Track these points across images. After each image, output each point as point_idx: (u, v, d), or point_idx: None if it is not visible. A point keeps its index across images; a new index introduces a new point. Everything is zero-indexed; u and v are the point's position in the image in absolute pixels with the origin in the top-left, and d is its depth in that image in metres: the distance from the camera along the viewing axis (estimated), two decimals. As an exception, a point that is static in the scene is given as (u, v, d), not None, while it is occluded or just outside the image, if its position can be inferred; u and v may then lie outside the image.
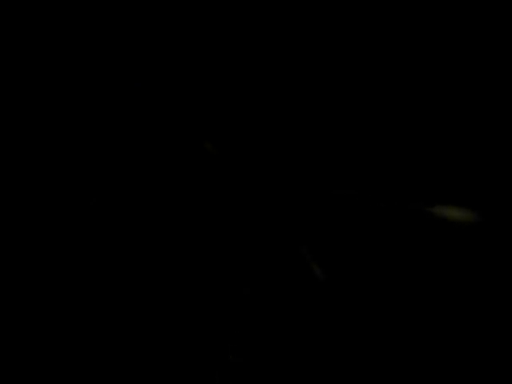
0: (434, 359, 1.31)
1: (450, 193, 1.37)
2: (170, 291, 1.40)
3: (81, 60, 1.44)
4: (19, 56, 1.42)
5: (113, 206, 1.43)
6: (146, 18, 1.42)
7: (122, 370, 1.32)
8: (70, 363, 1.32)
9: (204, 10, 1.40)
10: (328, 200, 1.42)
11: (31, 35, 1.41)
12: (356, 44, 1.39)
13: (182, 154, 1.45)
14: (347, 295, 1.37)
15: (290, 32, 1.38)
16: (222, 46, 1.42)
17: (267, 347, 1.35)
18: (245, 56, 1.40)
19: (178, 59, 1.44)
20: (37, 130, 1.44)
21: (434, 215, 1.36)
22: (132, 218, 1.43)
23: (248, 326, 1.37)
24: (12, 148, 1.42)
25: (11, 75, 1.42)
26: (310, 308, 1.37)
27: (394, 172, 1.40)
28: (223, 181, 1.43)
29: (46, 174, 1.43)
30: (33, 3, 1.39)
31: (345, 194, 1.40)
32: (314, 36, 1.39)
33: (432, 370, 1.30)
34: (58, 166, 1.43)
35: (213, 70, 1.43)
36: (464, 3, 1.31)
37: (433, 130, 1.40)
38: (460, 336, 1.31)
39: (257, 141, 1.43)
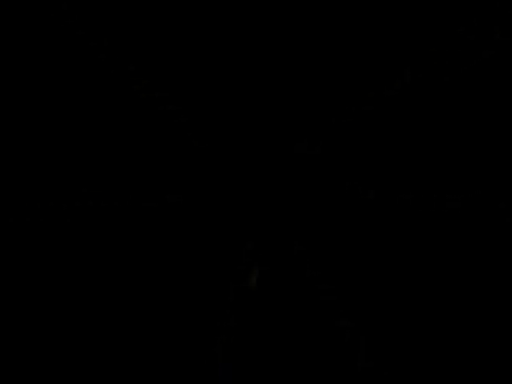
0: (436, 359, 1.30)
1: (450, 189, 1.37)
2: (169, 290, 1.40)
3: (81, 60, 1.44)
4: (19, 57, 1.42)
5: (112, 207, 1.43)
6: (146, 18, 1.42)
7: (121, 369, 1.32)
8: (69, 363, 1.32)
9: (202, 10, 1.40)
10: (327, 198, 1.42)
11: (30, 35, 1.42)
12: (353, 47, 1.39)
13: (180, 153, 1.44)
14: (346, 294, 1.36)
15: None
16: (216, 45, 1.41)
17: (267, 347, 1.35)
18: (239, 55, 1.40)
19: (176, 59, 1.44)
20: (37, 129, 1.44)
21: (432, 212, 1.36)
22: (131, 218, 1.43)
23: (248, 326, 1.37)
24: (12, 148, 1.42)
25: (11, 76, 1.42)
26: (308, 307, 1.37)
27: (394, 170, 1.40)
28: (221, 178, 1.43)
29: (46, 173, 1.43)
30: (32, 3, 1.39)
31: (344, 193, 1.40)
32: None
33: (433, 370, 1.30)
34: (57, 166, 1.43)
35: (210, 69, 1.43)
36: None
37: (432, 128, 1.39)
38: (460, 336, 1.31)
39: (253, 136, 1.42)
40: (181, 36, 1.41)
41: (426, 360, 1.28)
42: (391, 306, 1.33)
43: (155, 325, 1.35)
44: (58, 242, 1.38)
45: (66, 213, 1.40)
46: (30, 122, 1.42)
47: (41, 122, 1.42)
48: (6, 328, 1.32)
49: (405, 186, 1.33)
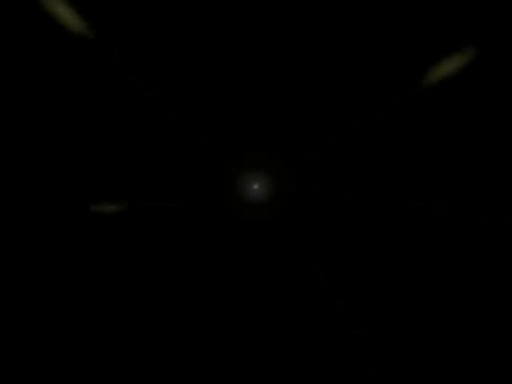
0: (434, 359, 1.31)
1: (450, 192, 1.37)
2: (170, 291, 1.40)
3: (81, 62, 1.44)
4: (19, 56, 1.42)
5: (113, 206, 1.43)
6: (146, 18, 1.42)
7: (122, 369, 1.32)
8: (69, 363, 1.32)
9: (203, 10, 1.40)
10: (329, 202, 1.42)
11: (30, 35, 1.42)
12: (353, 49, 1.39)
13: (181, 153, 1.45)
14: (348, 295, 1.37)
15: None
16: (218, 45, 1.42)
17: (267, 347, 1.35)
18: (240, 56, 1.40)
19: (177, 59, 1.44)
20: (37, 130, 1.44)
21: (435, 215, 1.36)
22: (131, 218, 1.43)
23: (248, 326, 1.37)
24: (12, 148, 1.42)
25: (11, 75, 1.42)
26: (310, 309, 1.37)
27: (394, 173, 1.40)
28: (223, 181, 1.43)
29: (47, 174, 1.43)
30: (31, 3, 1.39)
31: (346, 197, 1.40)
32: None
33: (432, 370, 1.30)
34: (57, 167, 1.44)
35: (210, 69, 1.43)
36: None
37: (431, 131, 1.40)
38: (460, 335, 1.31)
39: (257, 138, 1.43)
40: (185, 36, 1.41)
41: (435, 365, 1.28)
42: (400, 313, 1.33)
43: (155, 324, 1.36)
44: (58, 242, 1.38)
45: (66, 212, 1.40)
46: (30, 122, 1.42)
47: (40, 122, 1.42)
48: (6, 328, 1.33)
49: (411, 193, 1.33)
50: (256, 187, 1.40)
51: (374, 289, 1.36)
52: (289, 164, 1.45)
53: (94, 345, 1.34)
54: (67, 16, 1.14)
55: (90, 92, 1.44)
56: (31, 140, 1.43)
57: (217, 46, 1.42)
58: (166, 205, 1.44)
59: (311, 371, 1.31)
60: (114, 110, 1.44)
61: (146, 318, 1.38)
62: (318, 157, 1.42)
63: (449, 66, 1.30)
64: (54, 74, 1.43)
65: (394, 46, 1.38)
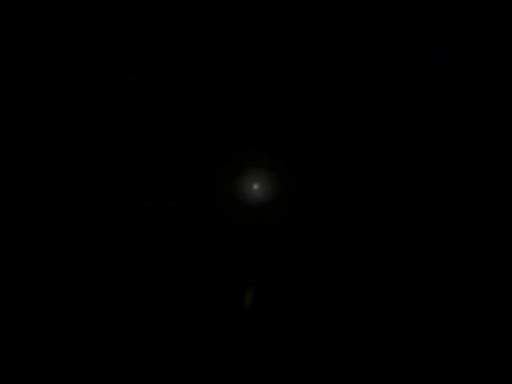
0: (435, 359, 1.30)
1: (449, 192, 1.37)
2: (170, 289, 1.40)
3: (81, 60, 1.44)
4: (19, 54, 1.42)
5: (112, 207, 1.43)
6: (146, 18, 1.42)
7: (122, 369, 1.32)
8: (69, 363, 1.32)
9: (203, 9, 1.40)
10: (329, 202, 1.42)
11: (31, 35, 1.42)
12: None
13: (181, 152, 1.45)
14: (348, 295, 1.37)
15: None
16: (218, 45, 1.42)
17: (267, 347, 1.35)
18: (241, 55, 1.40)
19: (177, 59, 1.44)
20: (37, 130, 1.44)
21: (435, 215, 1.36)
22: (130, 218, 1.43)
23: (249, 326, 1.37)
24: (13, 149, 1.42)
25: (11, 75, 1.42)
26: (310, 309, 1.37)
27: (394, 173, 1.40)
28: (224, 180, 1.43)
29: (46, 174, 1.43)
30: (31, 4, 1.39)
31: (346, 197, 1.40)
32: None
33: (433, 370, 1.30)
34: (57, 167, 1.44)
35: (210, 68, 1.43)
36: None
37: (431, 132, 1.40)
38: (460, 334, 1.31)
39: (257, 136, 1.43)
40: (189, 36, 1.41)
41: (435, 364, 1.28)
42: (401, 313, 1.33)
43: (154, 323, 1.35)
44: (58, 242, 1.38)
45: (66, 212, 1.40)
46: (30, 122, 1.42)
47: (40, 122, 1.42)
48: (7, 328, 1.32)
49: (411, 193, 1.33)
50: (256, 187, 1.40)
51: (373, 289, 1.36)
52: (289, 164, 1.45)
53: (90, 345, 1.34)
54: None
55: (89, 92, 1.43)
56: (31, 140, 1.43)
57: (217, 47, 1.42)
58: (165, 205, 1.44)
59: (311, 371, 1.31)
60: (114, 109, 1.44)
61: (145, 315, 1.38)
62: (317, 157, 1.42)
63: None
64: (54, 73, 1.43)
65: (394, 45, 1.38)
